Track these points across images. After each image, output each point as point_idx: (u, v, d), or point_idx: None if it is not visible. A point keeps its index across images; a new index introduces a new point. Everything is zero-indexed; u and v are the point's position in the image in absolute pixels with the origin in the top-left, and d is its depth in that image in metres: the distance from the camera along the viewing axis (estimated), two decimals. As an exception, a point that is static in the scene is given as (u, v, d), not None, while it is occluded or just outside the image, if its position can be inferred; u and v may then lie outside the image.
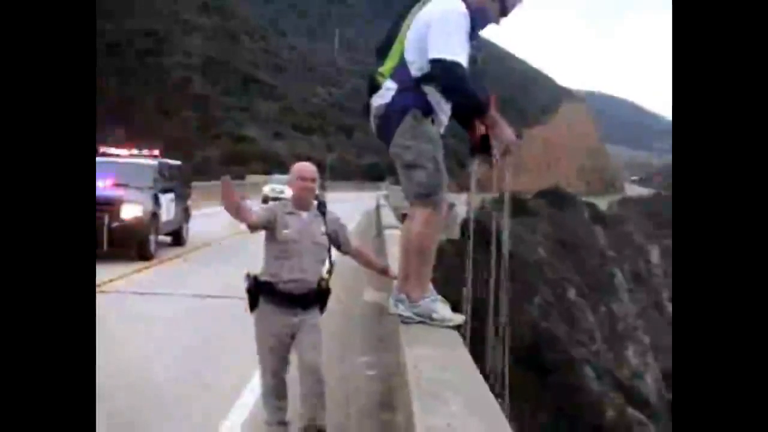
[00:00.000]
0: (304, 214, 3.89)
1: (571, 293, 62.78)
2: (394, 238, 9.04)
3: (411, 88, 3.38)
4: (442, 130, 3.53)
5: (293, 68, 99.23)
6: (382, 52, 3.50)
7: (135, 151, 14.05)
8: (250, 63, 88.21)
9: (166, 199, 12.94)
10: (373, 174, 69.85)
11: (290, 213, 3.87)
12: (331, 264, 3.98)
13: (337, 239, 4.02)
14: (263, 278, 3.84)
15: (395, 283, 3.80)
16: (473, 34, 3.40)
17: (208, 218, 19.00)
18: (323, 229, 3.91)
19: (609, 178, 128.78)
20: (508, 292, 3.75)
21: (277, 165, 52.23)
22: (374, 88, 3.49)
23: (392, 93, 3.41)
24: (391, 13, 3.93)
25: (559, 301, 58.44)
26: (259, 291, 3.83)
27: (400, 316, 3.53)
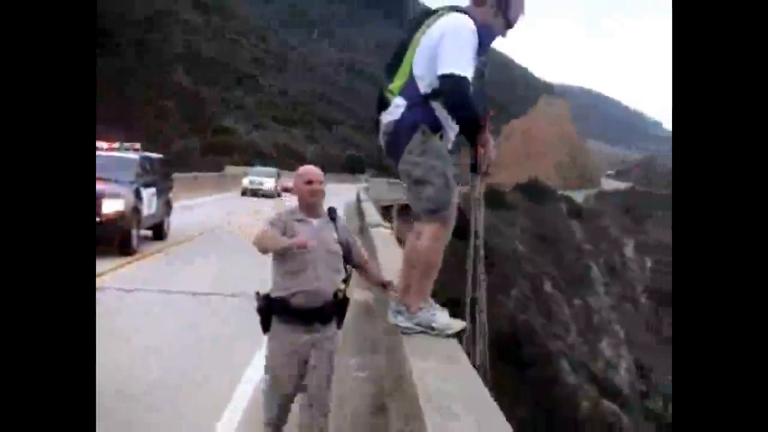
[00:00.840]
0: (315, 221, 3.64)
1: (548, 286, 63.34)
2: (380, 235, 9.08)
3: (420, 104, 3.43)
4: (450, 146, 3.58)
5: (278, 61, 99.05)
6: (391, 70, 3.55)
7: (116, 145, 13.89)
8: (236, 56, 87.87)
9: (148, 194, 12.83)
10: (353, 166, 69.95)
11: (299, 220, 3.62)
12: (348, 272, 3.71)
13: (348, 249, 3.74)
14: (274, 295, 3.57)
15: (390, 292, 3.84)
16: (481, 51, 3.45)
17: (189, 211, 18.93)
18: (335, 236, 3.66)
19: (587, 173, 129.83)
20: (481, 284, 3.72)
21: (258, 156, 52.04)
22: (383, 105, 3.54)
23: (402, 110, 3.46)
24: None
25: (536, 294, 58.94)
26: (271, 310, 3.58)
27: (399, 326, 3.57)
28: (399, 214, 39.94)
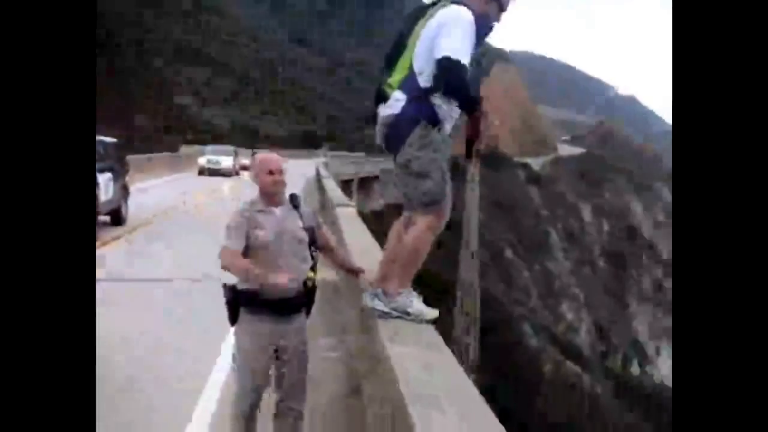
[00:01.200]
0: (277, 210, 3.56)
1: (509, 253, 64.20)
2: (345, 216, 9.05)
3: (420, 99, 3.47)
4: (446, 137, 3.61)
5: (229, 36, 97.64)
6: (389, 64, 3.58)
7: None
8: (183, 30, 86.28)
9: (104, 179, 12.52)
10: (309, 141, 69.58)
11: (261, 211, 3.52)
12: (315, 260, 3.64)
13: (313, 235, 3.66)
14: (242, 286, 3.50)
15: (361, 278, 3.91)
16: (478, 42, 3.48)
17: (144, 193, 18.58)
18: (300, 223, 3.60)
19: (543, 139, 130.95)
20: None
21: (216, 135, 51.39)
22: (382, 98, 3.57)
23: (402, 104, 3.49)
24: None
25: (496, 261, 59.73)
26: (238, 302, 3.51)
27: (375, 310, 3.60)
28: (359, 188, 39.93)
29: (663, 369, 72.98)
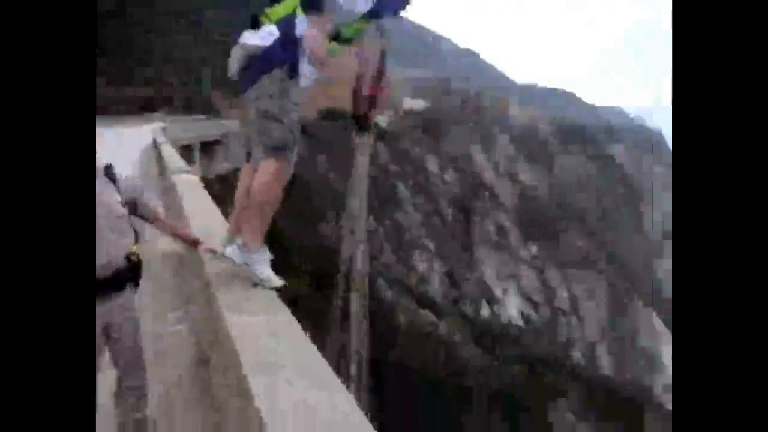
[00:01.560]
0: None
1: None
2: (184, 183, 8.69)
3: (292, 43, 3.35)
4: (303, 95, 3.52)
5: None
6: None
7: None
8: None
9: None
10: (145, 105, 66.33)
11: None
12: (137, 232, 3.45)
13: (135, 208, 3.46)
14: None
15: (200, 248, 3.87)
16: (379, 12, 3.48)
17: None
18: (118, 197, 3.32)
19: (391, 99, 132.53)
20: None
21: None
22: (254, 24, 3.39)
23: (274, 38, 3.33)
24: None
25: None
26: None
27: (226, 258, 3.52)
28: (202, 153, 38.70)
29: (510, 309, 77.60)
